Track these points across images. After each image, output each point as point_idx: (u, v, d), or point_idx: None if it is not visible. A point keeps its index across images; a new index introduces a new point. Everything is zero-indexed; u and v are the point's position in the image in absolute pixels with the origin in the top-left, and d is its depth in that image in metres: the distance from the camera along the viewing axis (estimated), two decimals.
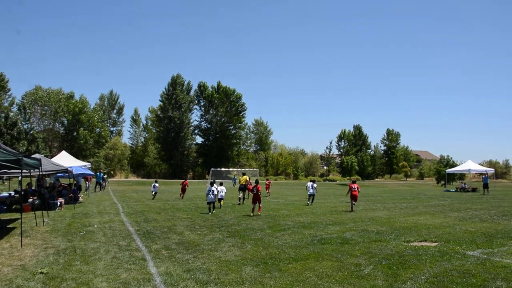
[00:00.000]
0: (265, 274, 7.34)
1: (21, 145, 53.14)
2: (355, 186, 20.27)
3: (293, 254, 9.02)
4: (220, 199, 19.69)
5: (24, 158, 10.60)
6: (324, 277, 7.14)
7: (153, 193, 27.84)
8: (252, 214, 17.16)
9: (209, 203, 18.30)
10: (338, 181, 79.78)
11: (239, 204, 23.25)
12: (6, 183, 35.77)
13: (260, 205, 17.95)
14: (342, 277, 7.13)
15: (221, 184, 20.54)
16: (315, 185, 24.02)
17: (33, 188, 21.84)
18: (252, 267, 7.86)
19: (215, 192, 18.61)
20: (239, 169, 69.59)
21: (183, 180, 30.14)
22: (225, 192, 19.99)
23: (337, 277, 7.13)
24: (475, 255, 8.98)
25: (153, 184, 28.63)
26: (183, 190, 28.28)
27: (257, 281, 6.87)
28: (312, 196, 23.63)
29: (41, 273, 7.33)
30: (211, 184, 19.18)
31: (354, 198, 20.13)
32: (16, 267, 7.84)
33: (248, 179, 25.06)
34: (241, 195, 24.01)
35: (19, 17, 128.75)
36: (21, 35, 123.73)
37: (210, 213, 17.75)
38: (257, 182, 18.59)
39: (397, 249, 9.63)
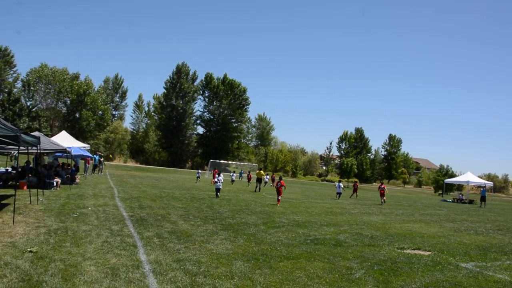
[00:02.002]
0: (255, 270, 7.26)
1: (22, 121, 53.06)
2: (382, 186, 29.33)
3: (285, 252, 8.95)
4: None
5: (22, 135, 10.52)
6: (315, 277, 7.06)
7: (198, 177, 38.44)
8: (277, 204, 20.30)
9: (217, 189, 21.92)
10: (336, 182, 79.74)
11: (255, 191, 30.11)
12: (13, 161, 35.39)
13: (280, 198, 20.88)
14: (333, 279, 7.05)
15: (218, 174, 23.54)
16: (341, 185, 31.33)
17: (31, 165, 21.75)
18: (243, 262, 7.78)
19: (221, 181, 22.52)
20: (238, 163, 69.60)
21: (214, 168, 40.16)
22: (221, 183, 22.60)
23: (328, 279, 7.05)
24: (468, 267, 8.90)
25: (198, 171, 40.71)
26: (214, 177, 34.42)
27: (247, 277, 6.79)
28: (339, 194, 30.84)
29: (31, 251, 7.25)
30: (218, 175, 23.00)
31: (382, 195, 28.72)
32: (6, 244, 7.77)
33: (263, 173, 33.89)
34: (257, 185, 31.64)
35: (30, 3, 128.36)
36: (30, 17, 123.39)
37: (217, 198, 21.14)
38: (280, 178, 22.45)
39: (390, 255, 9.55)
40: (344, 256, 8.99)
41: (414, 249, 10.69)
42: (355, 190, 34.51)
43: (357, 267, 8.09)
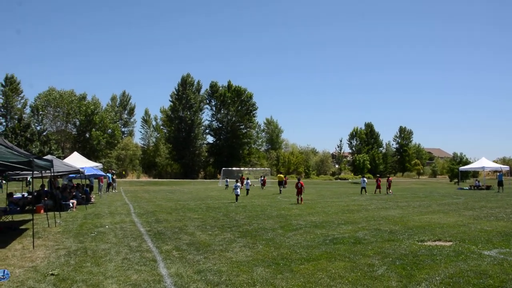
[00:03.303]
0: (277, 275, 7.24)
1: (34, 146, 53.67)
2: (389, 179, 35.25)
3: (305, 255, 8.90)
4: (247, 190, 29.96)
5: (35, 160, 10.63)
6: (337, 278, 7.01)
7: (226, 185, 41.43)
8: (297, 202, 22.83)
9: (236, 195, 24.18)
10: (350, 180, 79.29)
11: (279, 193, 33.35)
12: (28, 186, 35.76)
13: (302, 196, 23.18)
14: (355, 278, 7.00)
15: (236, 181, 28.66)
16: (366, 180, 34.46)
17: (46, 189, 21.96)
18: (264, 268, 7.76)
19: (241, 187, 25.91)
20: (251, 169, 69.63)
21: (241, 175, 45.75)
22: (250, 185, 30.19)
23: (350, 278, 6.99)
24: (492, 255, 8.77)
25: (226, 179, 44.05)
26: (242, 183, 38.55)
27: (269, 283, 6.77)
28: (363, 188, 33.31)
29: (52, 274, 7.32)
30: (236, 181, 26.94)
31: (389, 186, 34.28)
32: (28, 268, 7.84)
33: (283, 177, 39.03)
34: (280, 188, 35.39)
35: (25, 17, 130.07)
36: (28, 35, 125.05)
37: (235, 203, 23.13)
38: (299, 179, 25.18)
39: (410, 248, 9.46)
40: (365, 254, 8.92)
41: (435, 241, 10.56)
42: (378, 186, 34.81)
43: (378, 263, 8.02)
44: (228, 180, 43.49)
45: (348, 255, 8.82)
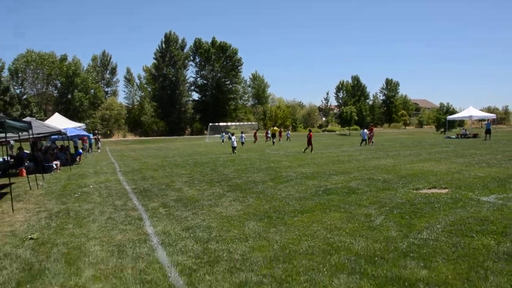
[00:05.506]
0: (270, 228, 6.86)
1: (14, 110, 52.19)
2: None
3: (298, 207, 8.54)
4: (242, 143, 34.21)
5: (8, 121, 9.95)
6: (334, 229, 6.65)
7: (223, 140, 43.98)
8: (304, 151, 25.39)
9: (233, 147, 26.90)
10: (337, 132, 79.46)
11: (273, 144, 36.67)
12: (12, 150, 34.66)
13: (311, 147, 25.71)
14: (353, 229, 6.64)
15: (232, 134, 29.24)
16: (366, 131, 33.11)
17: (25, 151, 21.24)
18: (256, 222, 7.38)
19: (235, 140, 27.79)
20: (238, 123, 69.15)
21: (256, 130, 49.53)
22: (236, 141, 28.29)
23: (347, 229, 6.63)
24: (490, 200, 8.50)
25: (222, 134, 46.22)
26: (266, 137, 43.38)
27: (262, 237, 6.39)
28: (364, 140, 32.53)
29: (31, 238, 6.85)
30: (232, 135, 28.83)
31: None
32: (5, 233, 7.35)
33: (277, 129, 41.83)
34: (273, 140, 38.41)
35: None
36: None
37: (233, 153, 25.67)
38: (310, 130, 27.97)
39: (407, 197, 9.15)
40: (360, 204, 8.59)
41: (430, 188, 10.28)
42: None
43: (375, 213, 7.68)
44: (224, 134, 44.77)
45: (343, 205, 8.48)
